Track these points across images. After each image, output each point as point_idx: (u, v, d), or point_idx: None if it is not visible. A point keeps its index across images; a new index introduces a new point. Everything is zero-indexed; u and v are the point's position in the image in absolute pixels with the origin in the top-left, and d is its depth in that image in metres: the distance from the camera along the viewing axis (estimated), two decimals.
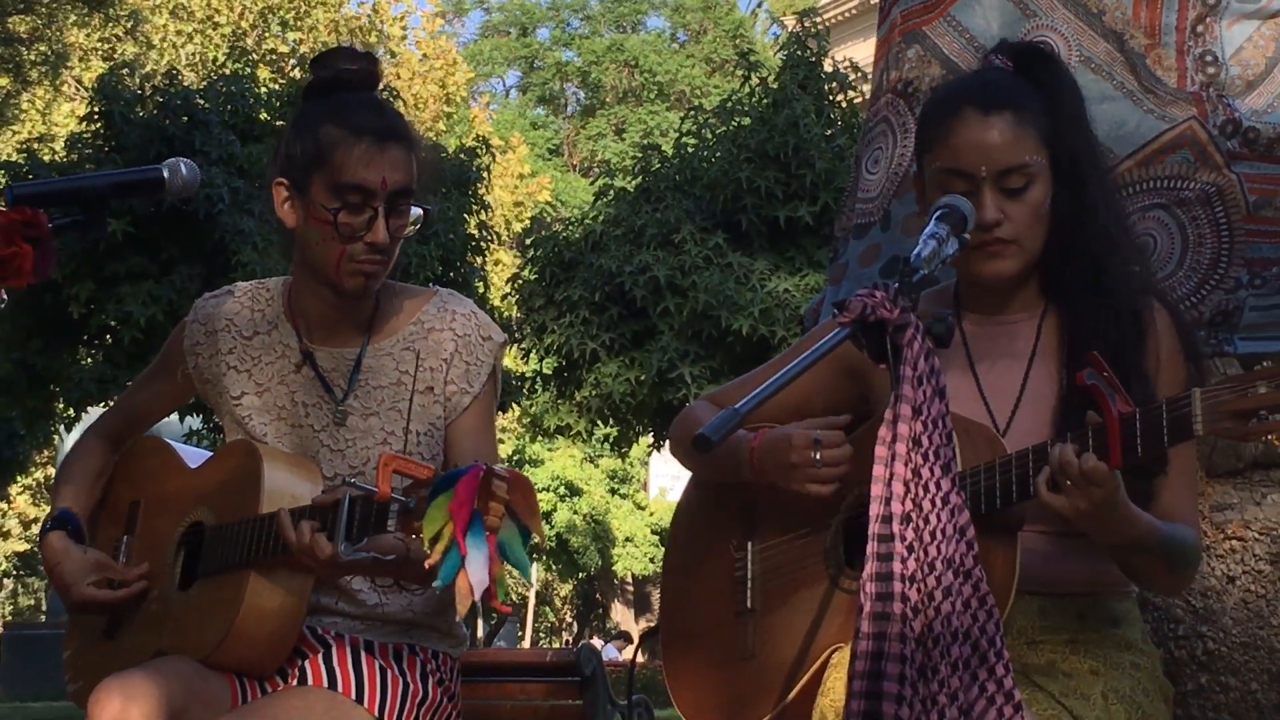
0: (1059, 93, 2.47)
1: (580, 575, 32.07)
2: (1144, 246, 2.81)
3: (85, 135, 12.42)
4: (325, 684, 2.58)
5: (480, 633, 27.22)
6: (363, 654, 2.64)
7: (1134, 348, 2.36)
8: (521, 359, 14.05)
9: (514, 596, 30.75)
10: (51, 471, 28.42)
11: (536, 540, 2.20)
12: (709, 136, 13.63)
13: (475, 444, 2.69)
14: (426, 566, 2.11)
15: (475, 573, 2.08)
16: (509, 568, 2.15)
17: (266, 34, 26.29)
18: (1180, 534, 2.31)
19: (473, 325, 2.75)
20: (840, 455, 2.39)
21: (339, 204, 2.57)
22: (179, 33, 25.66)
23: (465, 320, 2.75)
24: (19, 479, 24.77)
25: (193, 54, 25.26)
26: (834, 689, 2.27)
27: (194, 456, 2.85)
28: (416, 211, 2.64)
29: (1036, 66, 2.49)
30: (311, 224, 2.61)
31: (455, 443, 2.71)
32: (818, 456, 2.38)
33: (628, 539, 30.51)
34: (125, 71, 13.82)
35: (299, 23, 26.45)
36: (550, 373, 13.59)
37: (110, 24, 23.25)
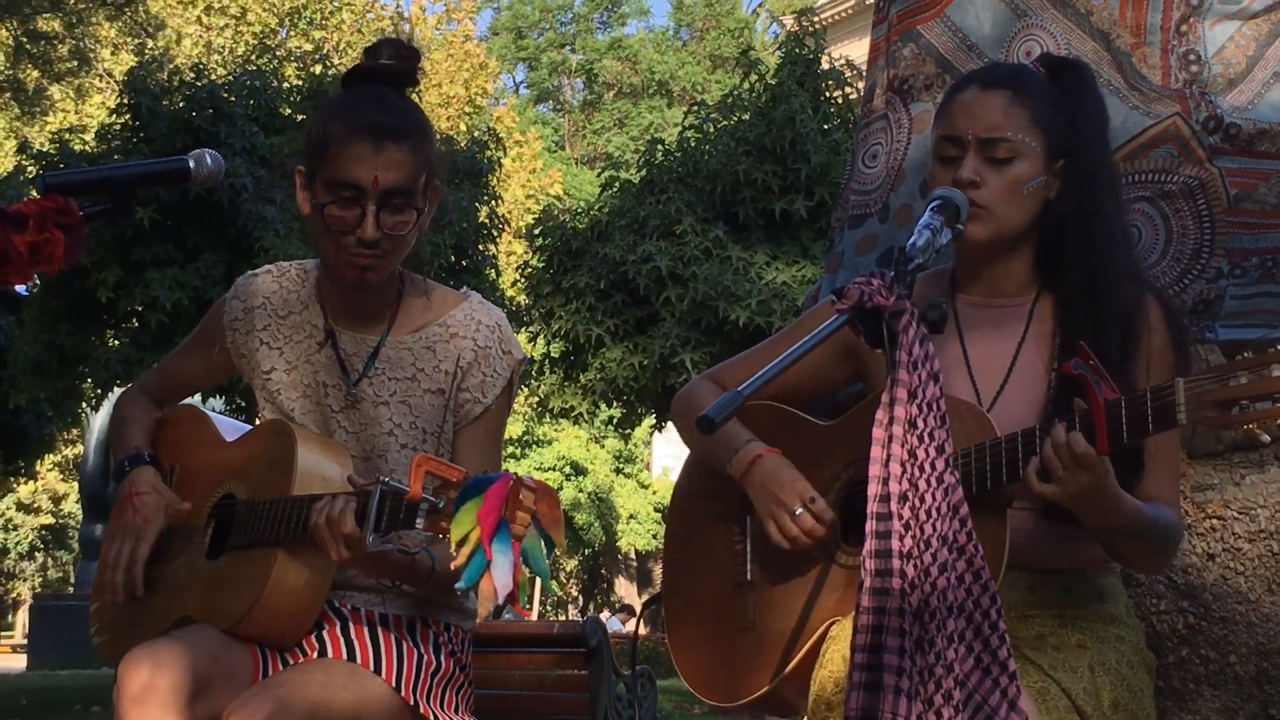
0: (1082, 102, 2.53)
1: (585, 551, 32.03)
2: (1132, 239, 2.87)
3: (115, 126, 12.38)
4: (344, 655, 2.65)
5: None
6: (379, 627, 2.70)
7: (1125, 341, 2.41)
8: (529, 343, 14.07)
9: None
10: (79, 450, 28.38)
11: (558, 550, 2.26)
12: (710, 130, 13.62)
13: (480, 454, 2.73)
14: (452, 568, 2.17)
15: (500, 578, 2.14)
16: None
17: (292, 32, 26.22)
18: (1163, 516, 2.36)
19: (495, 338, 2.77)
20: (813, 529, 2.46)
21: (331, 198, 2.60)
22: (209, 27, 25.58)
23: (489, 333, 2.77)
24: (47, 457, 24.71)
25: (221, 47, 25.20)
26: (832, 661, 2.33)
27: (230, 428, 2.91)
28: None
29: (1065, 76, 2.56)
30: (313, 214, 2.65)
31: (460, 449, 2.75)
32: (798, 512, 2.45)
33: (631, 516, 30.49)
34: (154, 65, 13.70)
35: (324, 21, 26.41)
36: (557, 356, 13.63)
37: (135, 28, 23.20)
